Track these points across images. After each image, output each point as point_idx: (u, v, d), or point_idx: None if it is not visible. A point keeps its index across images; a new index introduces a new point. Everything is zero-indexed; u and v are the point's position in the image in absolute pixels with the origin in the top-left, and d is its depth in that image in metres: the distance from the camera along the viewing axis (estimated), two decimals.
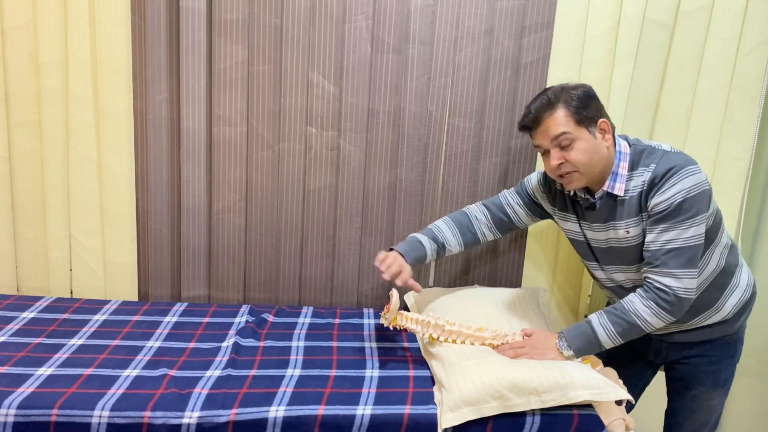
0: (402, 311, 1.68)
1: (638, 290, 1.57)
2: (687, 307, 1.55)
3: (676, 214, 1.50)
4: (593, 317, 1.59)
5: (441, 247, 1.81)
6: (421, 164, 2.05)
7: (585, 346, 1.58)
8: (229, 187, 2.06)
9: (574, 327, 1.61)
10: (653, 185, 1.52)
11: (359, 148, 2.04)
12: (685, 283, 1.51)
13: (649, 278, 1.55)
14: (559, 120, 1.54)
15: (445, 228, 1.83)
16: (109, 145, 2.00)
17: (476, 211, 1.87)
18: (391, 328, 1.68)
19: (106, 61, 1.94)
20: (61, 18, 1.91)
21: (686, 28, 1.94)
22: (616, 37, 1.95)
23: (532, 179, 1.83)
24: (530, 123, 1.59)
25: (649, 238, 1.55)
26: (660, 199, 1.51)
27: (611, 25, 1.94)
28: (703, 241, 1.53)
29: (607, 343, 1.57)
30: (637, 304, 1.55)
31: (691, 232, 1.50)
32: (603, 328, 1.56)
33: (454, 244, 1.83)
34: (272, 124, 2.02)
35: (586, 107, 1.55)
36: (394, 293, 1.62)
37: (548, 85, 1.98)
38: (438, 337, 1.65)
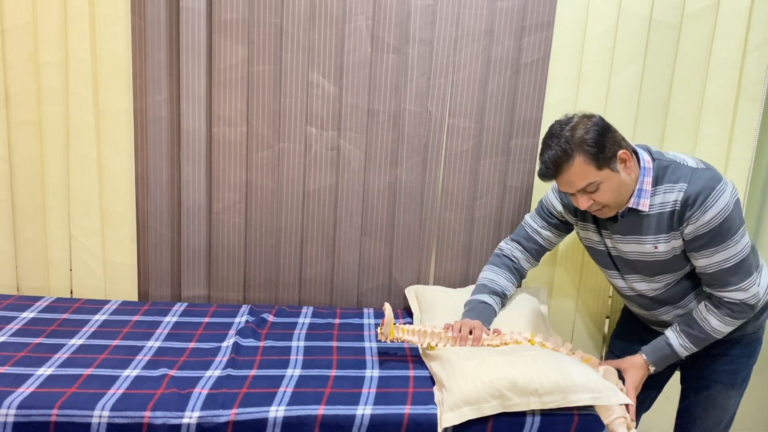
0: (398, 324, 1.66)
1: (709, 305, 1.61)
2: (758, 308, 1.62)
3: (722, 236, 1.52)
4: (673, 339, 1.66)
5: (503, 297, 1.83)
6: (421, 164, 2.05)
7: (664, 363, 1.69)
8: (229, 187, 2.06)
9: (655, 350, 1.68)
10: (686, 206, 1.52)
11: (359, 148, 2.03)
12: (751, 291, 1.57)
13: (715, 295, 1.59)
14: (579, 171, 1.51)
15: (497, 277, 1.83)
16: (109, 145, 2.00)
17: (512, 250, 1.87)
18: (389, 342, 1.67)
19: (106, 61, 1.94)
20: (61, 18, 1.91)
21: (692, 28, 1.94)
22: (615, 36, 1.94)
23: (550, 197, 1.81)
24: (551, 176, 1.56)
25: (702, 263, 1.57)
26: (698, 224, 1.52)
27: (611, 25, 1.94)
28: (749, 247, 1.57)
29: (683, 354, 1.67)
30: (713, 322, 1.60)
31: (740, 246, 1.54)
32: (684, 349, 1.66)
33: (511, 288, 1.85)
34: (272, 124, 2.02)
35: (603, 148, 1.50)
36: (387, 307, 1.61)
37: (547, 85, 1.98)
38: (436, 345, 1.64)
